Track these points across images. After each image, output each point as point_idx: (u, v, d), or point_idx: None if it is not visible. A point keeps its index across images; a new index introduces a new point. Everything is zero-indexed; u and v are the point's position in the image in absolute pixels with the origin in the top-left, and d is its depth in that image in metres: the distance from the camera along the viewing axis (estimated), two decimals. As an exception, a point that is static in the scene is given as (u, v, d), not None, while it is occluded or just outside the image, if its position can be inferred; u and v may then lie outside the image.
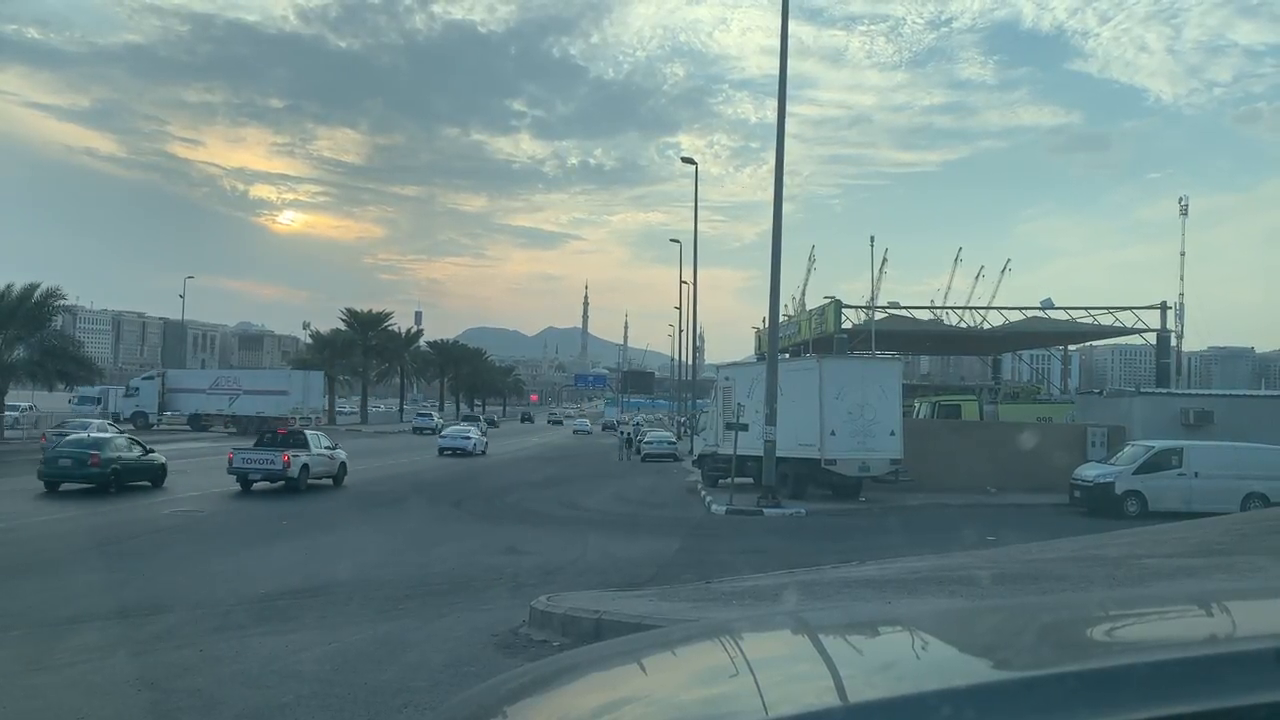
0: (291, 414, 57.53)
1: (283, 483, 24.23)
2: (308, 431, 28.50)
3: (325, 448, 26.73)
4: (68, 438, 26.29)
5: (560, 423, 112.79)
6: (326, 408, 77.23)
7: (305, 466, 24.97)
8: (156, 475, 24.46)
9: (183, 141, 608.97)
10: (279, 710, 6.77)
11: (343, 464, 27.16)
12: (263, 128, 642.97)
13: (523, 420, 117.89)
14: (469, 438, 44.70)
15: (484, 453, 44.82)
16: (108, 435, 27.94)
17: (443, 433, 48.22)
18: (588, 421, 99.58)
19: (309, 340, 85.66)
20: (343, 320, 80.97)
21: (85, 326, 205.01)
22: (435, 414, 43.37)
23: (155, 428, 56.21)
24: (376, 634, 9.29)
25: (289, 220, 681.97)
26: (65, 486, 22.20)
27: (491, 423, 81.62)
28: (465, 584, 12.67)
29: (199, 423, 58.46)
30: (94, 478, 22.27)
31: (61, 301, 47.23)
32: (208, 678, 7.65)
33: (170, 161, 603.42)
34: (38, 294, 43.20)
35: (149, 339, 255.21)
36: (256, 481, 24.23)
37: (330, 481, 26.43)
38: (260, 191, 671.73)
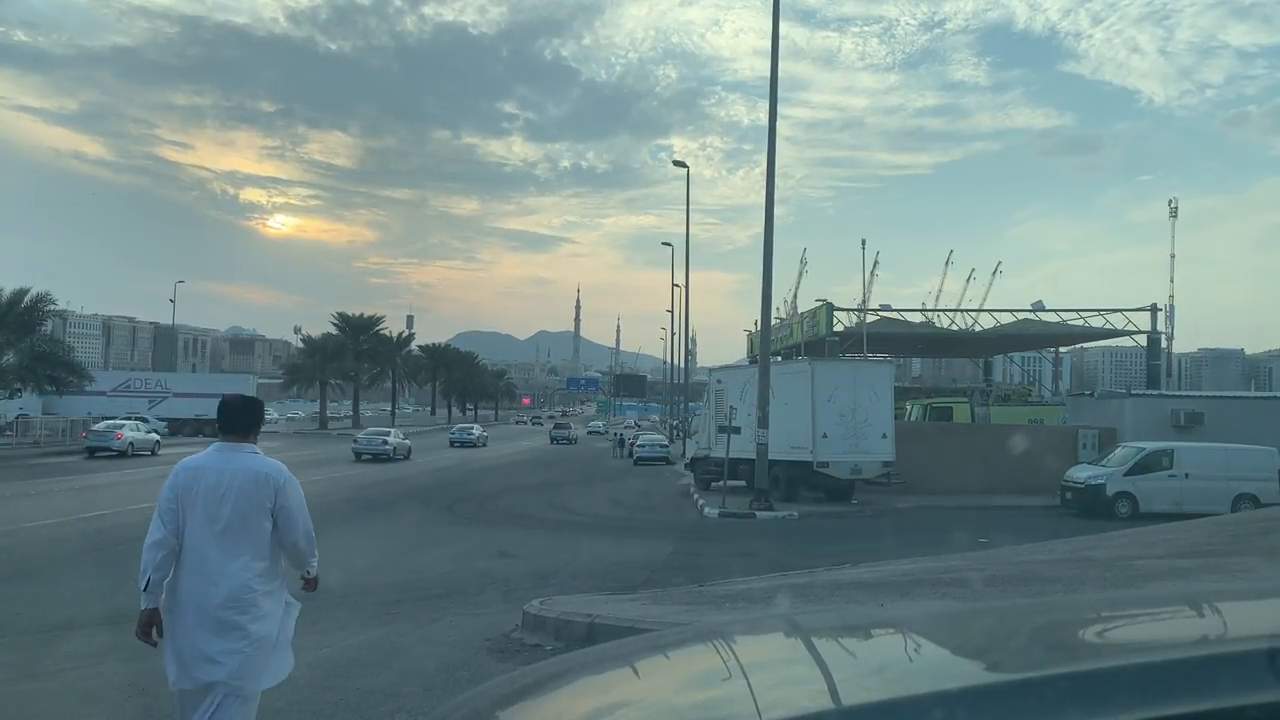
0: None
1: (568, 444, 58.00)
2: (571, 421, 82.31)
3: (572, 428, 71.97)
4: None
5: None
6: (319, 411, 76.93)
7: (577, 437, 64.31)
8: None
9: (172, 145, 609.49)
10: (271, 715, 6.72)
11: (576, 437, 65.73)
12: (253, 131, 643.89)
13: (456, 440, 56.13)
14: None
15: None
16: None
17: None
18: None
19: (300, 344, 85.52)
20: (334, 324, 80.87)
21: (75, 331, 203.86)
22: (392, 432, 40.61)
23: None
24: (368, 639, 9.24)
25: (280, 224, 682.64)
26: None
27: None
28: (458, 588, 12.63)
29: None
30: None
31: (52, 306, 46.67)
32: (199, 684, 7.60)
33: (160, 165, 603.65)
34: (27, 299, 42.86)
35: (139, 344, 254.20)
36: (559, 443, 58.00)
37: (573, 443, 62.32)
38: (251, 195, 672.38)
